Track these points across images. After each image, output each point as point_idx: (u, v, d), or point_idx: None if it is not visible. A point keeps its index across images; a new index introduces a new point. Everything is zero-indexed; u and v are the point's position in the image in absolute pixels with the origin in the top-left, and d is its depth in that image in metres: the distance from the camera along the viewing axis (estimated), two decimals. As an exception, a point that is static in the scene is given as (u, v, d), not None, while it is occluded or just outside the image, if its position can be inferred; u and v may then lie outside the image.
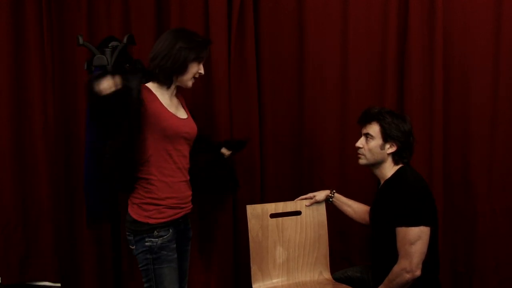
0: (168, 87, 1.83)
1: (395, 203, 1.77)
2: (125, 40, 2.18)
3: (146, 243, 1.80)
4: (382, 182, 1.91)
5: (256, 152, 2.44)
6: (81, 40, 2.17)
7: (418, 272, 1.74)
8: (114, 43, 2.19)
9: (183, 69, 1.80)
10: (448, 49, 2.30)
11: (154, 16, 2.49)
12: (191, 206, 1.94)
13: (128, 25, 2.51)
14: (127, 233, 1.86)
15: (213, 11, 2.38)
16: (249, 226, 2.07)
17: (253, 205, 2.10)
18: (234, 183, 2.27)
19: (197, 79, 1.88)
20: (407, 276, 1.74)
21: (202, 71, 1.86)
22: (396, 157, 1.87)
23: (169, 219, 1.83)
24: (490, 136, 2.31)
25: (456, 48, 2.31)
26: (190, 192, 1.92)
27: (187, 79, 1.84)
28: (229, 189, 2.29)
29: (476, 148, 2.32)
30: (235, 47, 2.40)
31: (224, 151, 2.15)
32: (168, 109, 1.81)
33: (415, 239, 1.73)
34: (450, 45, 2.30)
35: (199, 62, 1.84)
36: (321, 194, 2.13)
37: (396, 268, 1.77)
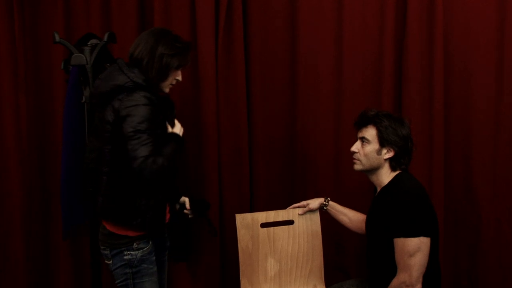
0: None
1: (392, 212, 1.76)
2: (105, 38, 2.16)
3: (125, 257, 1.80)
4: (378, 189, 1.90)
5: (245, 156, 2.43)
6: (57, 37, 2.14)
7: (418, 286, 1.72)
8: (93, 41, 2.18)
9: (164, 77, 1.82)
10: (449, 47, 2.30)
11: (136, 12, 2.46)
12: (168, 216, 1.96)
13: (108, 22, 2.48)
14: (102, 248, 1.85)
15: (200, 5, 2.37)
16: (238, 236, 2.06)
17: (242, 214, 2.10)
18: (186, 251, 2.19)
19: (183, 79, 1.90)
20: (407, 290, 1.74)
21: (180, 77, 1.88)
22: (393, 163, 1.85)
23: None
24: (494, 140, 2.31)
25: (457, 45, 2.31)
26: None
27: (165, 86, 1.86)
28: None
29: (479, 152, 2.32)
30: (222, 44, 2.39)
31: (186, 211, 2.06)
32: None
33: (414, 251, 1.71)
34: (450, 42, 2.30)
35: (178, 69, 1.86)
36: (314, 202, 2.12)
37: (395, 282, 1.76)
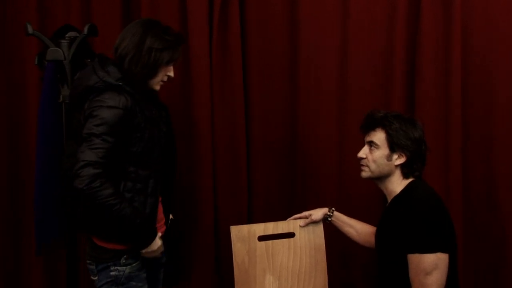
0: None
1: (406, 225, 1.73)
2: (85, 30, 2.13)
3: (111, 273, 1.77)
4: (389, 199, 1.88)
5: (242, 162, 2.42)
6: (30, 29, 2.11)
7: (435, 308, 1.69)
8: (72, 34, 2.15)
9: (153, 74, 1.80)
10: (467, 39, 2.29)
11: (120, 2, 2.46)
12: (164, 228, 1.94)
13: (89, 12, 2.47)
14: (88, 262, 1.82)
15: None
16: (233, 250, 2.04)
17: (238, 226, 2.07)
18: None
19: (175, 77, 1.90)
20: (423, 312, 1.69)
21: (171, 73, 1.86)
22: (405, 170, 1.83)
23: None
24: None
25: (477, 38, 2.30)
26: (162, 215, 1.92)
27: (155, 83, 1.84)
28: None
29: (501, 156, 2.30)
30: (217, 39, 2.37)
31: None
32: None
33: (431, 268, 1.68)
34: (469, 35, 2.29)
35: (169, 65, 1.83)
36: (318, 213, 2.08)
37: (409, 303, 1.72)
